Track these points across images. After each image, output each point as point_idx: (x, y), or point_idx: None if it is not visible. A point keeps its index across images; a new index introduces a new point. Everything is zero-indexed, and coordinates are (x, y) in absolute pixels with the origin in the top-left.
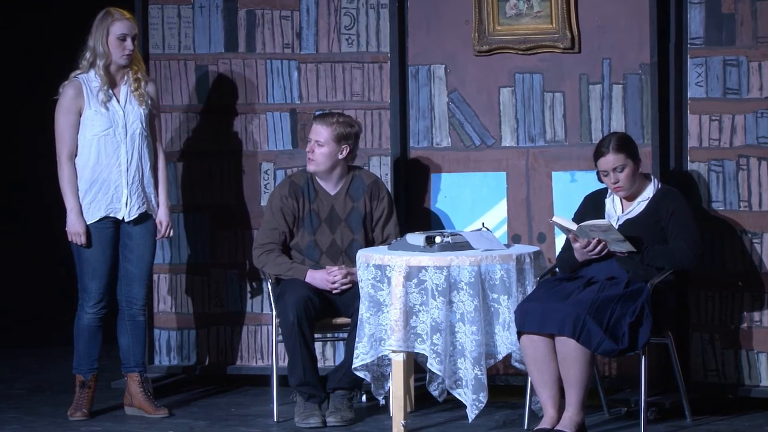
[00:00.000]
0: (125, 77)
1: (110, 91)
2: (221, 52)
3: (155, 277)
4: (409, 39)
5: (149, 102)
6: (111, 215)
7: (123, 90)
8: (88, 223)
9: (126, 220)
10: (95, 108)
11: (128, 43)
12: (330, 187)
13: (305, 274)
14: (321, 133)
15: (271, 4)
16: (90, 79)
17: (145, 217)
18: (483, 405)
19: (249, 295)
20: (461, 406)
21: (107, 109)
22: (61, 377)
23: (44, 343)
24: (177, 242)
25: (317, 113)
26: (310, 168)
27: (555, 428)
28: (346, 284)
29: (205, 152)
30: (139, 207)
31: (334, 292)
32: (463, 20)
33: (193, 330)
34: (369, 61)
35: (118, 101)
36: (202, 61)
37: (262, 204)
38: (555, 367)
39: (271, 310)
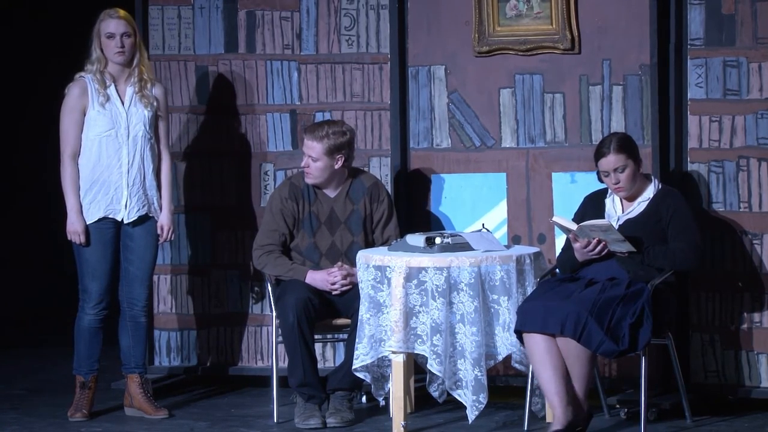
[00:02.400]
0: (131, 78)
1: (115, 91)
2: (221, 52)
3: (155, 277)
4: (409, 40)
5: (155, 104)
6: (110, 216)
7: (128, 91)
8: (87, 223)
9: (125, 221)
10: (98, 108)
11: (117, 41)
12: (330, 189)
13: (305, 275)
14: (313, 148)
15: (272, 5)
16: (95, 80)
17: (147, 219)
18: (483, 406)
19: (252, 299)
20: (461, 407)
21: (109, 110)
22: (61, 378)
23: (44, 343)
24: (177, 243)
25: (307, 125)
26: (308, 181)
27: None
28: (346, 285)
29: (205, 153)
30: (139, 209)
31: (334, 293)
32: (463, 21)
33: (193, 331)
34: (369, 62)
35: (123, 102)
36: (202, 61)
37: (262, 205)
38: (559, 363)
39: (271, 310)
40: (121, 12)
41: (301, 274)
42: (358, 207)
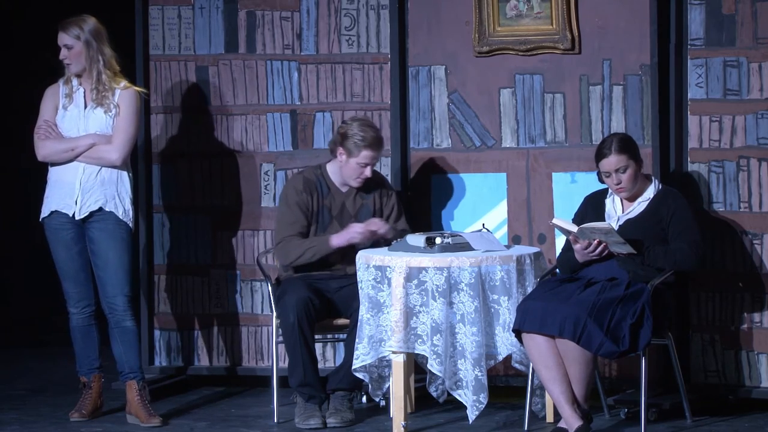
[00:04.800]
0: (95, 84)
1: (82, 95)
2: (221, 53)
3: (155, 277)
4: (409, 40)
5: (117, 109)
6: (62, 211)
7: (92, 96)
8: (42, 216)
9: (77, 217)
10: (62, 111)
11: (63, 51)
12: (342, 183)
13: (330, 241)
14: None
15: (272, 5)
16: (64, 84)
17: (104, 218)
18: (483, 406)
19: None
20: (462, 407)
21: (71, 112)
22: (62, 377)
23: (44, 343)
24: (178, 243)
25: (372, 141)
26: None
27: (558, 426)
28: (377, 235)
29: (205, 153)
30: (91, 205)
31: (359, 245)
32: (463, 21)
33: (193, 331)
34: (369, 62)
35: (86, 106)
36: (202, 62)
37: (262, 204)
38: (562, 362)
39: (271, 311)
40: (69, 23)
41: (325, 243)
42: (367, 202)
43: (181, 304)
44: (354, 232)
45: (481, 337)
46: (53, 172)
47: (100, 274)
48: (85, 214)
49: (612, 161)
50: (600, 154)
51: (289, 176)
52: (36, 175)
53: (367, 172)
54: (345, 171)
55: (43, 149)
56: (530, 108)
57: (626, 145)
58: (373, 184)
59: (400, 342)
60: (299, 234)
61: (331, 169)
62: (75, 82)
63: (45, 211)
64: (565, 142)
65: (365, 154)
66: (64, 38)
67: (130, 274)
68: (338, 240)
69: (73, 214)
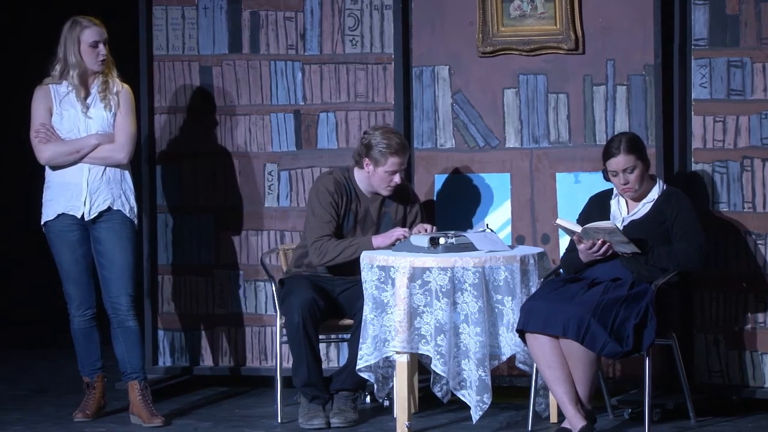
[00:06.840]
0: (95, 82)
1: (77, 95)
2: (225, 53)
3: (159, 278)
4: (413, 40)
5: (117, 106)
6: (70, 213)
7: (92, 94)
8: (46, 219)
9: (86, 218)
10: (58, 113)
11: (101, 48)
12: (367, 190)
13: (371, 242)
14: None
15: (275, 6)
16: (59, 87)
17: (112, 217)
18: (487, 406)
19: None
20: (465, 407)
21: (68, 115)
22: (65, 378)
23: (48, 344)
24: (181, 243)
25: (398, 148)
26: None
27: (562, 426)
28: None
29: (209, 153)
30: (100, 205)
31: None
32: (467, 21)
33: (197, 331)
34: (373, 62)
35: (84, 105)
36: (206, 62)
37: (266, 205)
38: (565, 363)
39: (275, 311)
40: (96, 19)
41: (367, 243)
42: (389, 210)
43: (185, 304)
44: (397, 235)
45: (484, 337)
46: (56, 175)
47: (105, 274)
48: (95, 215)
49: (620, 161)
50: (608, 153)
51: (293, 176)
52: (36, 176)
53: (396, 179)
54: (374, 180)
55: (46, 152)
56: (534, 108)
57: (635, 145)
58: (397, 192)
59: (403, 342)
60: (332, 234)
61: (358, 176)
62: (65, 82)
63: (50, 214)
64: (568, 143)
65: (392, 161)
66: (104, 34)
67: (135, 275)
68: (380, 241)
69: (82, 216)
